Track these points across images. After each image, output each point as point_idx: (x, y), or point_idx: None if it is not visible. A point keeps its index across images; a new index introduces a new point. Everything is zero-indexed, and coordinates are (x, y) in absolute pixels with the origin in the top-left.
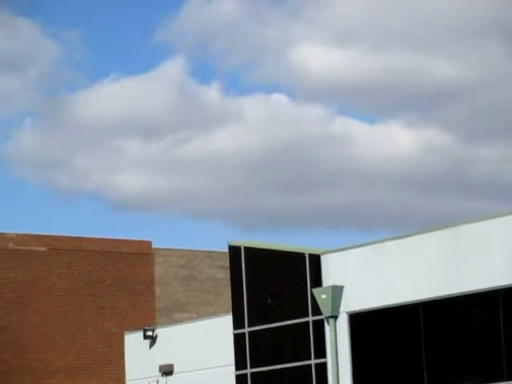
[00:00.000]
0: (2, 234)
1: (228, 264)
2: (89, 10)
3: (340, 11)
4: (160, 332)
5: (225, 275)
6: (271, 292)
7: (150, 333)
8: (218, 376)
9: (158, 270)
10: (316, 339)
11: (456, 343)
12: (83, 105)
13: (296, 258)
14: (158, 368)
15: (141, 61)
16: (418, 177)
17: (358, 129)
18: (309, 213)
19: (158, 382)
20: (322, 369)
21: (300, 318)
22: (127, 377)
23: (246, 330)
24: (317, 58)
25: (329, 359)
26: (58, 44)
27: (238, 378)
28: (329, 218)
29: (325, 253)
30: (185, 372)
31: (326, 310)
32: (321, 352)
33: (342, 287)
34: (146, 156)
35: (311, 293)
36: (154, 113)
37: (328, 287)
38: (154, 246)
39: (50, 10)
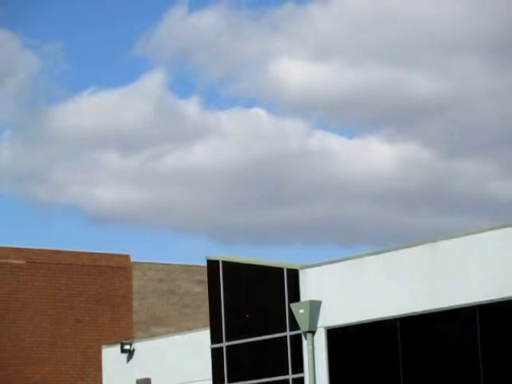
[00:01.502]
0: None
1: (206, 278)
2: (69, 23)
3: (320, 26)
4: (138, 346)
5: (203, 289)
6: (249, 307)
7: (127, 346)
8: None
9: (136, 284)
10: (293, 354)
11: (433, 359)
12: (62, 117)
13: (274, 273)
14: (135, 382)
15: (120, 74)
16: (398, 192)
17: (337, 143)
18: (287, 227)
19: None
20: None
21: (278, 332)
22: None
23: (224, 344)
24: (296, 72)
25: (306, 374)
26: (38, 56)
27: None
28: (308, 232)
29: (303, 268)
30: None
31: (303, 325)
32: (298, 367)
33: (319, 302)
34: (124, 169)
35: (289, 307)
36: (132, 126)
37: (306, 302)
38: (132, 259)
39: (30, 23)
